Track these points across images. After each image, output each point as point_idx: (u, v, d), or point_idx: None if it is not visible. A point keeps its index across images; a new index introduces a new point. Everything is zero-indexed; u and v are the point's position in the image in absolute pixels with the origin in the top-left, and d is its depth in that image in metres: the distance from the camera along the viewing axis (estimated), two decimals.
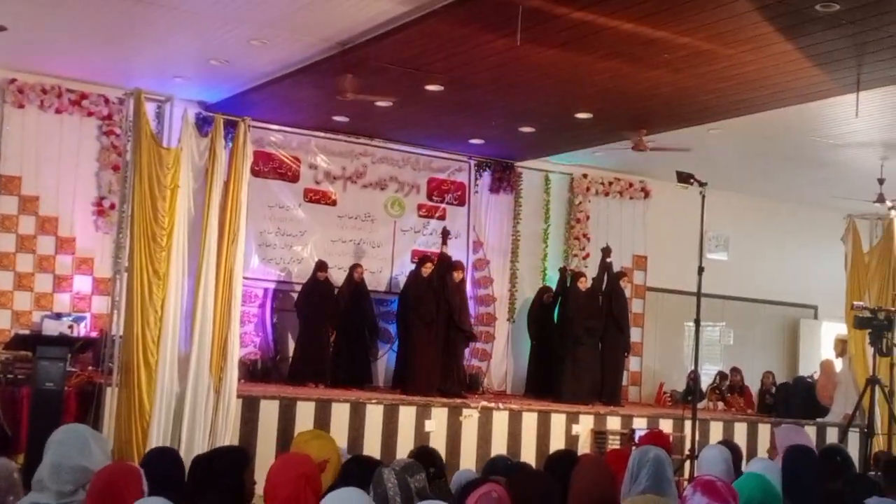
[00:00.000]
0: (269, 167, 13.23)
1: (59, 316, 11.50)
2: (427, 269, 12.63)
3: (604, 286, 13.71)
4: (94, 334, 11.44)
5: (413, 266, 13.39)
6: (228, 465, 4.29)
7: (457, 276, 12.74)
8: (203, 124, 11.63)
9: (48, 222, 11.94)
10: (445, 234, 13.31)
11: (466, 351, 13.40)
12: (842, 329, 14.18)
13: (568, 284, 13.78)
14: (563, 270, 14.27)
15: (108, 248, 12.06)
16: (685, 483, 8.57)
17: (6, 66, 11.70)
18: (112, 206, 11.88)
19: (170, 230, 9.34)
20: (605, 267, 13.79)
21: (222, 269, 9.59)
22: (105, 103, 12.21)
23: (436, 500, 3.71)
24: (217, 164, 9.60)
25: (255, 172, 12.47)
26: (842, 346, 14.02)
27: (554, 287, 14.29)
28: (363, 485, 3.97)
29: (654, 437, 7.60)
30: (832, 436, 12.62)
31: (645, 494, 4.32)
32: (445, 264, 12.79)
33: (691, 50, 9.02)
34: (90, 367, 10.60)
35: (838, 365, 14.04)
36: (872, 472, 8.22)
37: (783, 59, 9.10)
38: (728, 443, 7.25)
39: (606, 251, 13.88)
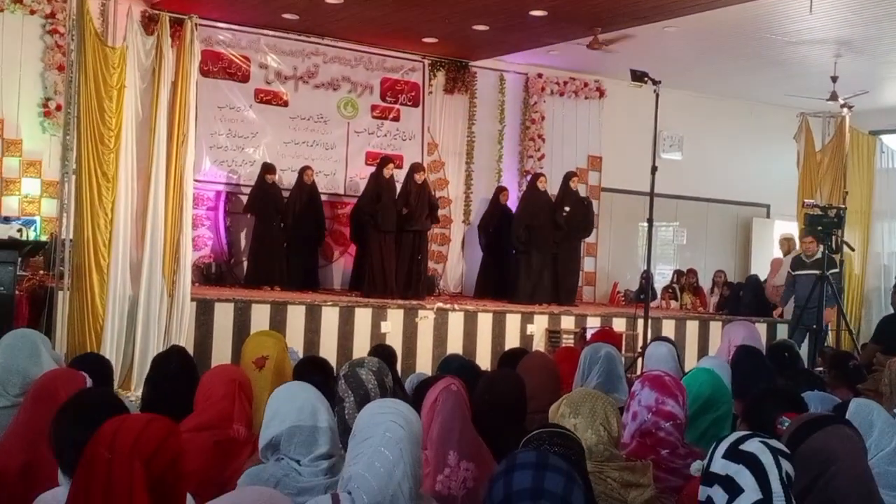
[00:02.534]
0: (219, 67, 12.98)
1: (7, 220, 11.27)
2: (388, 171, 12.56)
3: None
4: (43, 238, 11.28)
5: (370, 168, 13.30)
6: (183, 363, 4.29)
7: (418, 177, 12.66)
8: (149, 22, 11.38)
9: None
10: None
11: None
12: (794, 228, 14.35)
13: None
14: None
15: (55, 150, 11.78)
16: (635, 380, 8.70)
17: None
18: (59, 108, 11.60)
19: (117, 131, 9.17)
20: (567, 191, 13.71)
21: (172, 171, 9.47)
22: (48, 1, 11.83)
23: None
24: (164, 63, 9.40)
25: (204, 72, 12.24)
26: (788, 245, 14.22)
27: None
28: (316, 384, 3.96)
29: (605, 334, 7.67)
30: (782, 332, 12.86)
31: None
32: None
33: None
34: (41, 272, 10.49)
35: (787, 263, 14.23)
36: (820, 370, 8.40)
37: None
38: (666, 338, 7.35)
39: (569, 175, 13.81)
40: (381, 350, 5.97)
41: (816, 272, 11.30)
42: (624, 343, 11.01)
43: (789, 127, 14.04)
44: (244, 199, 12.97)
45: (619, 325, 12.31)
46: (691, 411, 4.09)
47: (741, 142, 16.73)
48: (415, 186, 12.57)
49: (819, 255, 11.46)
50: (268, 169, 12.64)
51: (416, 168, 12.81)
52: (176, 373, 4.44)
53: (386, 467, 2.78)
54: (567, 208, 13.21)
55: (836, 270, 11.84)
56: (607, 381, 5.13)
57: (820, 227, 11.21)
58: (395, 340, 10.70)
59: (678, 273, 15.59)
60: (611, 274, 15.95)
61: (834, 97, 13.32)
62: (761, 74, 14.65)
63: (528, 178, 14.29)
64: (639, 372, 9.78)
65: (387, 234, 12.34)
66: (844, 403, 3.55)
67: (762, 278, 14.71)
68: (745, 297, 14.17)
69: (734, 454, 2.46)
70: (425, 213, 12.66)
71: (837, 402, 4.09)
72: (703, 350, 12.50)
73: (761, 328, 12.05)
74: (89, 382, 3.80)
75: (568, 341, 11.75)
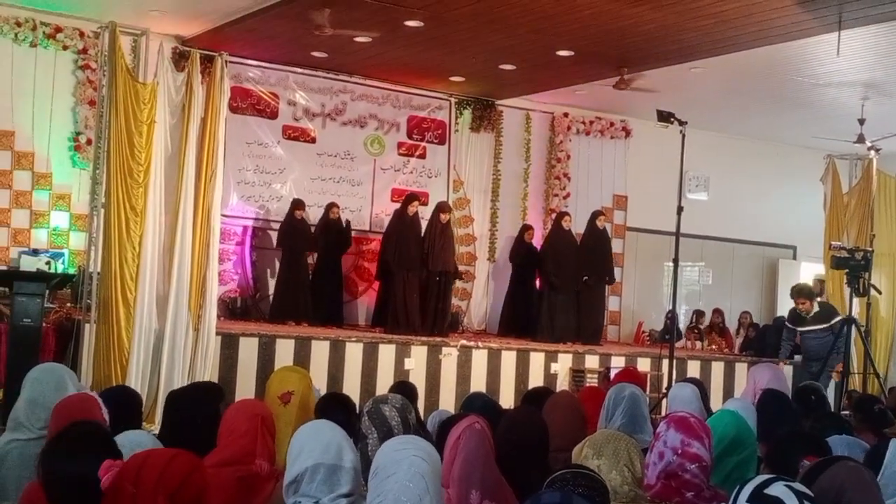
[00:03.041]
0: (248, 103, 13.11)
1: (36, 252, 11.42)
2: (413, 208, 12.61)
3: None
4: (71, 270, 11.38)
5: (396, 204, 13.36)
6: (203, 398, 4.29)
7: (443, 217, 12.69)
8: (179, 59, 11.53)
9: (24, 157, 11.80)
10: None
11: None
12: (820, 269, 14.26)
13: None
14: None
15: (85, 183, 11.94)
16: (660, 421, 8.64)
17: None
18: (89, 142, 11.74)
19: (147, 166, 9.26)
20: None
21: (200, 206, 9.54)
22: (80, 37, 12.01)
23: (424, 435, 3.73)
24: (194, 99, 9.50)
25: (233, 109, 12.36)
26: (820, 287, 14.11)
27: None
28: (338, 421, 3.96)
29: (629, 374, 7.63)
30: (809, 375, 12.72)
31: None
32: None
33: None
34: (68, 304, 10.57)
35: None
36: (846, 412, 8.32)
37: None
38: (693, 380, 7.31)
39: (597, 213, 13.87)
40: (402, 387, 5.98)
41: (820, 326, 11.54)
42: (648, 383, 10.95)
43: (816, 169, 13.99)
44: (271, 234, 13.06)
45: (644, 365, 12.25)
46: (716, 453, 4.05)
47: (768, 183, 16.69)
48: (439, 226, 12.60)
49: (817, 309, 11.73)
50: (297, 205, 12.71)
51: (441, 208, 12.83)
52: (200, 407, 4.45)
53: (413, 501, 2.77)
54: (585, 277, 13.27)
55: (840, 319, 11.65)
56: (631, 421, 5.10)
57: (847, 270, 11.14)
58: (418, 377, 10.68)
59: (697, 313, 15.51)
60: (636, 313, 15.89)
61: (861, 140, 13.26)
62: (788, 116, 14.64)
63: (553, 216, 14.31)
64: (663, 412, 9.75)
65: (410, 272, 12.35)
66: (878, 447, 3.52)
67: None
68: (770, 339, 14.06)
69: (759, 498, 2.44)
70: (449, 252, 12.69)
71: (865, 446, 4.06)
72: (728, 391, 12.41)
73: (787, 370, 11.95)
74: (104, 409, 3.83)
75: (592, 381, 11.70)
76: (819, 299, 12.16)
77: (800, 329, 11.97)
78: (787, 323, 12.28)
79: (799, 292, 11.66)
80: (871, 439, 5.12)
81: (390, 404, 4.05)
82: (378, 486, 2.84)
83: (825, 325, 11.48)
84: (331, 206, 12.95)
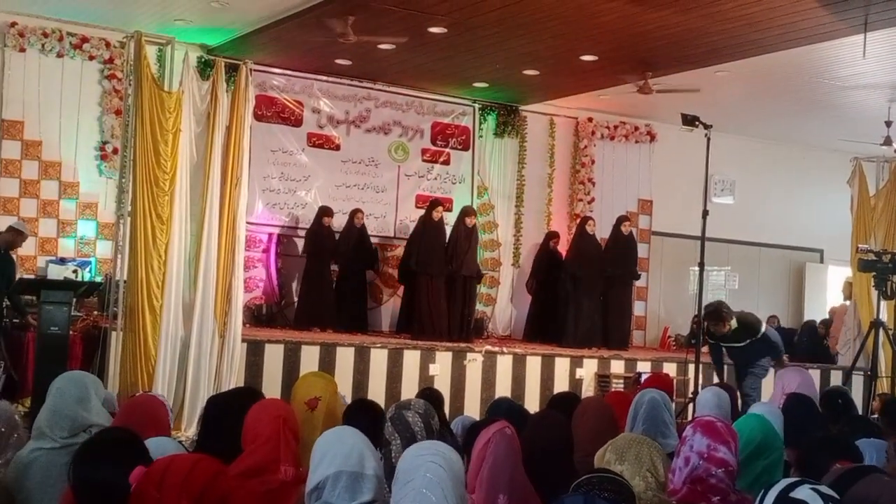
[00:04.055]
0: (272, 111, 13.16)
1: (63, 261, 11.52)
2: (438, 214, 12.63)
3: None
4: (98, 279, 11.46)
5: (420, 211, 13.39)
6: (247, 403, 4.29)
7: (469, 221, 12.71)
8: (205, 68, 11.60)
9: (51, 167, 11.91)
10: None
11: None
12: (848, 272, 14.16)
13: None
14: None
15: (111, 192, 12.03)
16: (686, 425, 8.60)
17: (7, 9, 11.60)
18: (115, 151, 11.82)
19: (172, 174, 9.31)
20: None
21: (226, 214, 9.58)
22: (106, 47, 12.12)
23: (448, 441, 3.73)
24: (219, 107, 9.54)
25: (258, 117, 12.43)
26: (850, 289, 14.00)
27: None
28: (365, 427, 3.96)
29: (658, 379, 7.62)
30: (836, 378, 12.65)
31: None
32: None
33: None
34: (95, 312, 10.65)
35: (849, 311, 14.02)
36: (875, 416, 8.26)
37: None
38: (724, 385, 7.27)
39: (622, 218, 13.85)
40: (427, 393, 5.96)
41: (739, 345, 10.44)
42: (675, 388, 10.89)
43: (843, 171, 13.89)
44: (297, 241, 13.11)
45: (670, 369, 12.17)
46: (742, 457, 4.03)
47: (794, 186, 16.60)
48: (464, 230, 12.60)
49: (735, 327, 10.39)
50: (324, 212, 12.74)
51: (467, 212, 12.86)
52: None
53: None
54: (607, 272, 13.23)
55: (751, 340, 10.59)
56: (652, 426, 5.08)
57: (874, 273, 11.05)
58: (443, 383, 10.68)
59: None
60: (661, 318, 15.82)
61: (888, 142, 13.18)
62: (814, 119, 14.56)
63: (578, 221, 14.29)
64: (689, 417, 9.69)
65: (434, 277, 12.36)
66: None
67: (817, 323, 14.52)
68: (800, 343, 13.98)
69: (785, 501, 2.43)
70: (473, 256, 12.69)
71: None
72: None
73: (815, 374, 11.87)
74: (170, 412, 3.87)
75: (618, 386, 11.66)
76: (738, 315, 10.66)
77: (723, 345, 10.83)
78: (709, 340, 10.94)
79: (708, 316, 10.35)
80: None
81: (413, 410, 4.05)
82: (398, 493, 2.84)
83: (745, 343, 10.45)
84: (355, 213, 12.96)
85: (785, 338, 14.46)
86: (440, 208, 12.74)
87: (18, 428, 4.24)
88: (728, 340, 10.56)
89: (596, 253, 13.35)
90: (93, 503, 3.07)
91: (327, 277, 12.69)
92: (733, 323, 10.41)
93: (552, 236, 14.27)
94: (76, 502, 3.14)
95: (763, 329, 10.58)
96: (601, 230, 13.75)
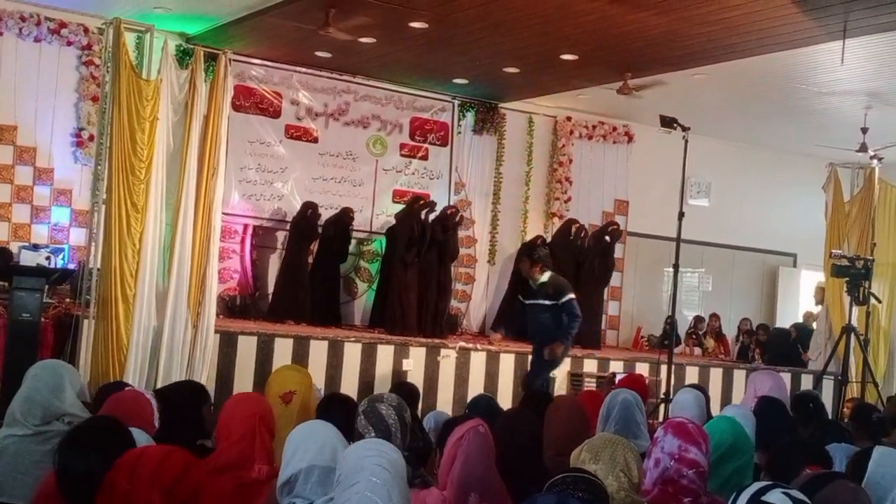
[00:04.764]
0: (250, 102, 13.09)
1: (36, 247, 11.41)
2: (416, 209, 12.66)
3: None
4: (71, 266, 11.37)
5: (397, 206, 13.40)
6: (188, 398, 4.28)
7: (450, 212, 12.92)
8: (183, 56, 11.53)
9: (26, 152, 11.80)
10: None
11: None
12: (820, 277, 14.26)
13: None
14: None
15: (87, 179, 11.92)
16: (658, 426, 8.64)
17: None
18: (91, 138, 11.72)
19: (148, 163, 9.24)
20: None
21: (201, 204, 9.51)
22: (84, 33, 12.01)
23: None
24: (197, 96, 9.48)
25: (236, 107, 12.35)
26: (822, 294, 14.11)
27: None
28: (339, 422, 3.95)
29: (632, 380, 7.66)
30: (807, 382, 12.74)
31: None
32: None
33: None
34: (67, 300, 10.56)
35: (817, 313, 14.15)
36: (845, 420, 8.32)
37: (770, 4, 9.03)
38: (696, 386, 7.30)
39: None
40: (403, 388, 5.97)
41: (544, 302, 10.18)
42: (648, 389, 10.93)
43: (818, 177, 13.98)
44: (272, 232, 13.07)
45: (642, 370, 12.23)
46: (713, 459, 4.05)
47: (769, 190, 16.69)
48: (449, 222, 12.83)
49: (544, 280, 10.24)
50: (308, 206, 12.80)
51: (449, 208, 13.19)
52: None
53: None
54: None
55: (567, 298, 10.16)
56: (624, 427, 5.10)
57: (847, 279, 11.14)
58: (416, 378, 10.67)
59: (697, 319, 15.50)
60: (635, 318, 15.87)
61: (864, 149, 13.25)
62: (791, 124, 14.64)
63: (556, 220, 14.35)
64: (661, 418, 9.74)
65: (409, 270, 12.35)
66: (866, 450, 3.51)
67: (788, 326, 14.60)
68: (771, 348, 14.08)
69: None
70: (453, 245, 12.86)
71: None
72: (726, 398, 12.40)
73: (785, 377, 11.94)
74: (155, 409, 3.85)
75: (590, 385, 11.69)
76: (549, 272, 10.33)
77: (526, 301, 10.48)
78: (519, 296, 10.65)
79: (520, 254, 10.06)
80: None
81: (387, 403, 4.04)
82: (341, 495, 2.81)
83: (550, 303, 10.15)
84: (348, 211, 13.08)
85: (758, 342, 14.62)
86: (419, 203, 12.79)
87: None
88: (532, 294, 10.21)
89: (574, 254, 13.41)
90: (75, 491, 3.06)
91: (302, 270, 12.66)
92: (545, 277, 10.20)
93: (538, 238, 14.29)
94: (58, 488, 3.12)
95: (570, 296, 10.17)
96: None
